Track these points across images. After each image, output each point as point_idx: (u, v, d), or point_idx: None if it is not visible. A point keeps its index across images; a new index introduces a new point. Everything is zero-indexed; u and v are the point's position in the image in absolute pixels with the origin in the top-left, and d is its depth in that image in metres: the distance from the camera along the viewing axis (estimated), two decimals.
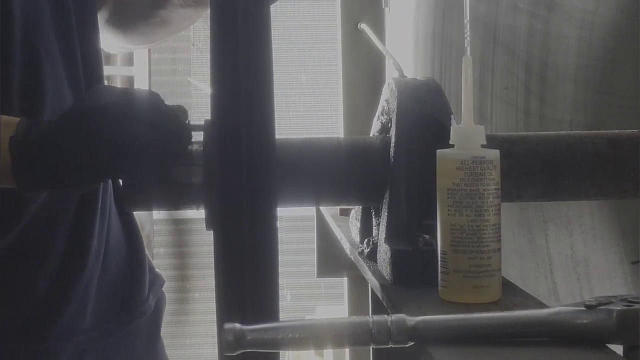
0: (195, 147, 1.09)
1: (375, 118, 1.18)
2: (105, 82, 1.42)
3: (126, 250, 1.42)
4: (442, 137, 1.01)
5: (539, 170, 1.12)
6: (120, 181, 1.13)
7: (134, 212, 1.43)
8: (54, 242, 1.29)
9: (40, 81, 1.23)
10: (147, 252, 1.50)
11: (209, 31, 0.97)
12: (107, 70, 1.18)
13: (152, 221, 4.77)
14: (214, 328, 0.96)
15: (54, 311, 1.30)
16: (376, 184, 1.10)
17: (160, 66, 4.87)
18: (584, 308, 0.79)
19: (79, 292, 1.32)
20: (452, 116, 1.07)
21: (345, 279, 2.14)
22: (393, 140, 1.08)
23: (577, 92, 1.33)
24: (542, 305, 0.93)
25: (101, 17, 1.43)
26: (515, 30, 1.45)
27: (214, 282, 0.98)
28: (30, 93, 1.23)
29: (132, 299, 1.42)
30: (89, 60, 1.31)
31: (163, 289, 1.52)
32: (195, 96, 4.82)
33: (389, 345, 0.80)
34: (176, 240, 4.96)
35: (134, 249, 1.44)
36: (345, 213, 1.56)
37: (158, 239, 4.90)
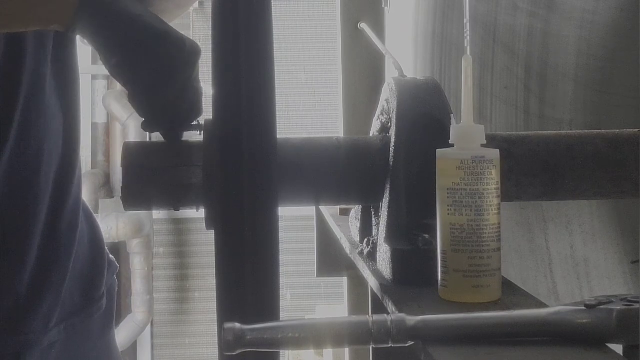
0: (195, 146, 1.09)
1: (375, 117, 1.18)
2: (105, 82, 1.42)
3: (89, 245, 1.43)
4: (442, 137, 1.01)
5: (539, 170, 1.11)
6: (120, 181, 1.13)
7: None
8: (33, 233, 1.30)
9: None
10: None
11: (209, 31, 0.97)
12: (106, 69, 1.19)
13: (152, 221, 4.77)
14: (214, 328, 0.96)
15: (34, 303, 1.31)
16: (376, 183, 1.10)
17: None
18: (583, 308, 0.79)
19: (55, 285, 1.33)
20: (452, 116, 1.07)
21: (345, 278, 2.14)
22: (393, 139, 1.08)
23: (577, 92, 1.33)
24: (542, 305, 0.93)
25: None
26: (515, 30, 1.45)
27: (214, 282, 0.98)
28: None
29: (93, 294, 1.44)
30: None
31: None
32: None
33: (389, 345, 0.80)
34: (176, 240, 4.96)
35: (95, 243, 1.45)
36: (345, 213, 1.56)
37: (158, 239, 4.90)
